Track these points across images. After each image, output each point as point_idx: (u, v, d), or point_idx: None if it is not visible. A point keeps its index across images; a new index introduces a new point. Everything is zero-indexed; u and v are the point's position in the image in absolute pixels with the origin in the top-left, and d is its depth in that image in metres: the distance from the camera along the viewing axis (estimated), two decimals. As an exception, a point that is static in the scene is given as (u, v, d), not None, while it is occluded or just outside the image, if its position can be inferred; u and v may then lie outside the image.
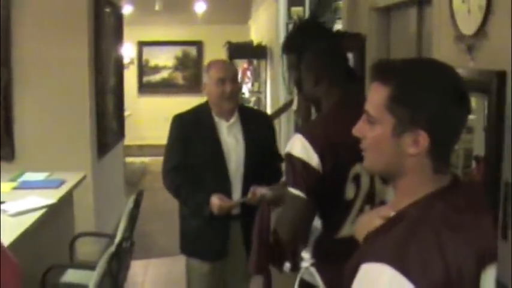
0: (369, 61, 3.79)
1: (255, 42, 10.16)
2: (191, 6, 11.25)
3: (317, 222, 2.37)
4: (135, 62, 13.63)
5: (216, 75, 3.30)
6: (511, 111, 2.10)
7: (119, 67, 7.37)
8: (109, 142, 6.48)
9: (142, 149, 12.14)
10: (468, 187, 1.66)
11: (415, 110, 1.32)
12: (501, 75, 2.12)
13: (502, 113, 2.14)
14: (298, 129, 2.47)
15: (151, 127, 12.51)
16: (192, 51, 13.79)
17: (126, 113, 8.25)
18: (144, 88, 13.84)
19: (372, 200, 2.33)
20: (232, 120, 3.36)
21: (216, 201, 3.19)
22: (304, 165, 2.24)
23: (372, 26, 3.90)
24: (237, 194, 3.29)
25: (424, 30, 3.26)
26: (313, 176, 2.24)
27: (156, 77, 13.93)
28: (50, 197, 4.03)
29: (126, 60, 10.61)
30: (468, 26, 2.36)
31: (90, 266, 3.38)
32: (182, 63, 13.90)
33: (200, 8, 11.29)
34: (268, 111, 8.59)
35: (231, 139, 3.35)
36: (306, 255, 2.37)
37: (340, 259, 1.44)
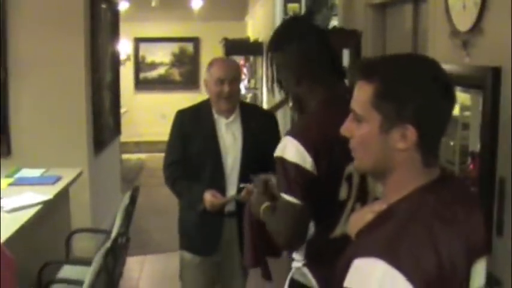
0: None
1: (252, 39, 10.16)
2: (188, 3, 11.24)
3: (310, 224, 2.32)
4: (132, 58, 13.59)
5: (216, 75, 3.30)
6: (507, 107, 2.11)
7: (115, 63, 7.36)
8: (105, 139, 6.47)
9: (138, 146, 12.13)
10: (455, 180, 1.67)
11: (401, 104, 1.33)
12: (496, 71, 2.13)
13: (497, 109, 2.14)
14: (287, 132, 2.30)
15: (148, 124, 12.50)
16: (189, 47, 13.76)
17: (122, 110, 8.24)
18: (141, 85, 13.80)
19: (364, 198, 2.27)
20: (232, 118, 3.36)
21: (208, 197, 3.21)
22: (299, 169, 2.13)
23: (368, 22, 3.90)
24: (232, 191, 3.29)
25: (419, 27, 3.26)
26: (309, 180, 2.14)
27: (153, 74, 13.90)
28: (46, 193, 4.03)
29: (122, 57, 10.59)
30: (463, 22, 2.36)
31: (86, 262, 3.39)
32: (179, 59, 13.87)
33: (197, 4, 11.28)
34: (264, 107, 8.59)
35: (229, 136, 3.35)
36: (297, 256, 2.30)
37: (333, 258, 1.42)
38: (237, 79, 3.39)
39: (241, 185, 3.14)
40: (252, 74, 10.50)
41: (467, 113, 2.43)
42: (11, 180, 4.45)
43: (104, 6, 6.41)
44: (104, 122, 6.43)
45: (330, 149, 2.09)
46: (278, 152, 2.20)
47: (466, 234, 1.35)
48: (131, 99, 12.74)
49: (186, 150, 3.35)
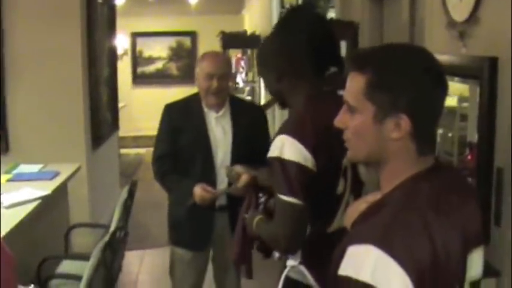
0: (362, 49, 3.79)
1: (249, 32, 10.14)
2: (184, -3, 11.23)
3: None
4: (129, 53, 13.58)
5: (205, 69, 3.28)
6: (505, 97, 2.10)
7: (113, 58, 7.35)
8: (103, 133, 6.47)
9: (137, 140, 12.12)
10: (450, 169, 1.68)
11: (394, 94, 1.33)
12: (493, 61, 2.13)
13: (494, 99, 2.15)
14: (279, 131, 2.17)
15: (145, 118, 12.48)
16: (186, 41, 13.75)
17: (120, 105, 8.23)
18: (138, 79, 13.80)
19: (358, 189, 2.25)
20: (222, 112, 3.36)
21: (198, 191, 3.18)
22: (300, 168, 2.06)
23: (365, 14, 3.90)
24: (222, 185, 3.28)
25: (416, 18, 3.26)
26: (309, 178, 2.07)
27: (150, 68, 13.89)
28: (45, 189, 4.03)
29: (119, 52, 10.58)
30: (460, 12, 2.36)
31: (85, 257, 3.38)
32: (176, 53, 13.86)
33: (193, -2, 11.26)
34: (262, 100, 8.59)
35: (219, 130, 3.35)
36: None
37: (330, 254, 1.40)
38: (226, 75, 3.37)
39: (228, 168, 3.06)
40: (250, 67, 10.49)
41: (465, 104, 2.43)
42: (9, 176, 4.45)
43: (100, 1, 6.39)
44: (102, 117, 6.43)
45: (328, 143, 2.02)
46: (274, 153, 2.11)
47: (461, 223, 1.35)
48: (129, 94, 12.75)
49: (175, 144, 3.34)
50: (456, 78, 2.37)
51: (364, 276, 1.21)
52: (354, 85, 1.38)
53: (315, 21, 2.31)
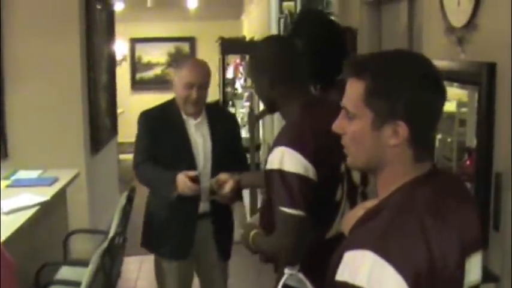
0: (361, 55, 3.80)
1: (248, 38, 10.15)
2: (183, 2, 11.22)
3: None
4: (128, 59, 13.58)
5: (185, 79, 3.22)
6: (503, 102, 2.11)
7: (111, 64, 7.35)
8: (102, 139, 6.46)
9: (136, 146, 12.07)
10: (447, 175, 1.68)
11: (392, 101, 1.33)
12: (491, 67, 2.13)
13: (492, 105, 2.15)
14: (277, 142, 2.12)
15: (144, 124, 12.44)
16: (185, 47, 13.75)
17: (119, 110, 8.23)
18: (137, 85, 13.78)
19: (353, 194, 2.25)
20: (200, 118, 3.34)
21: (181, 177, 3.11)
22: (302, 179, 2.03)
23: (364, 19, 3.90)
24: (204, 191, 3.21)
25: (415, 23, 3.27)
26: (311, 188, 2.05)
27: (149, 74, 13.88)
28: (44, 195, 4.03)
29: (118, 57, 10.57)
30: (458, 18, 2.36)
31: (84, 263, 3.38)
32: (175, 59, 13.85)
33: (192, 3, 11.25)
34: (261, 106, 8.59)
35: (199, 137, 3.33)
36: None
37: (328, 260, 1.39)
38: (206, 84, 3.28)
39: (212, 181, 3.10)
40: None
41: (464, 109, 2.43)
42: (8, 182, 4.44)
43: (99, 7, 6.40)
44: (101, 123, 6.43)
45: (327, 151, 2.00)
46: (274, 165, 2.07)
47: (459, 228, 1.35)
48: (128, 100, 12.71)
49: (156, 150, 3.29)
50: (455, 84, 2.37)
51: (360, 281, 1.22)
52: (353, 91, 1.39)
53: (319, 25, 2.31)
